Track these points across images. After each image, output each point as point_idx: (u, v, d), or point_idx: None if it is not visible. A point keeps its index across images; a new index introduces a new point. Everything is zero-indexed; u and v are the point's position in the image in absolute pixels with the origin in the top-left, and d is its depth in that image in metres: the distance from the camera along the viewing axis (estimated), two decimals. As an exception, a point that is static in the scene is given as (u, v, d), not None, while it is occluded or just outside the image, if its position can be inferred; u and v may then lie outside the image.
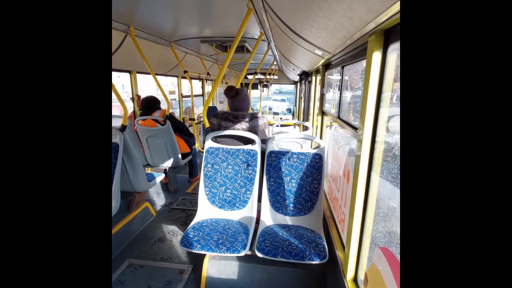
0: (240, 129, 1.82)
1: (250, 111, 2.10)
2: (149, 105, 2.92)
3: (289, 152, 1.80)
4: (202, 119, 5.03)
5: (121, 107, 2.17)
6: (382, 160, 0.97)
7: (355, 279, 1.17)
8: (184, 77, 4.10)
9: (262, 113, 7.28)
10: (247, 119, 1.84)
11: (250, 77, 6.72)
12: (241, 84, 7.12)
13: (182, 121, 4.43)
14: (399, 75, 0.80)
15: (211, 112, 4.89)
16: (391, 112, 0.94)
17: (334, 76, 2.55)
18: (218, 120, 1.87)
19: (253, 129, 1.84)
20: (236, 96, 1.89)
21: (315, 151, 1.78)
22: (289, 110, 9.23)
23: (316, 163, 1.76)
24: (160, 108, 2.94)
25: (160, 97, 3.14)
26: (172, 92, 5.11)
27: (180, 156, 2.95)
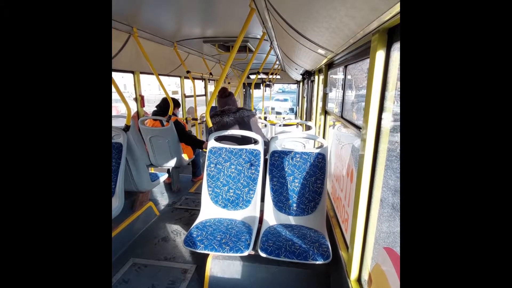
0: (228, 121, 1.95)
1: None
2: (164, 106, 2.95)
3: (292, 151, 1.80)
4: (205, 119, 5.04)
5: (117, 108, 2.21)
6: (386, 159, 0.96)
7: (359, 279, 1.17)
8: (187, 77, 4.11)
9: (265, 113, 7.28)
10: (233, 111, 1.98)
11: (252, 76, 6.71)
12: (244, 84, 7.13)
13: (185, 120, 4.45)
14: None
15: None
16: (394, 111, 0.93)
17: (337, 75, 2.54)
18: (218, 118, 1.96)
19: (241, 120, 1.96)
20: (230, 96, 2.11)
21: (318, 150, 1.77)
22: (291, 109, 9.21)
23: (319, 163, 1.76)
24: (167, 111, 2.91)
25: (160, 97, 3.15)
26: (175, 92, 5.14)
27: (183, 155, 2.96)
